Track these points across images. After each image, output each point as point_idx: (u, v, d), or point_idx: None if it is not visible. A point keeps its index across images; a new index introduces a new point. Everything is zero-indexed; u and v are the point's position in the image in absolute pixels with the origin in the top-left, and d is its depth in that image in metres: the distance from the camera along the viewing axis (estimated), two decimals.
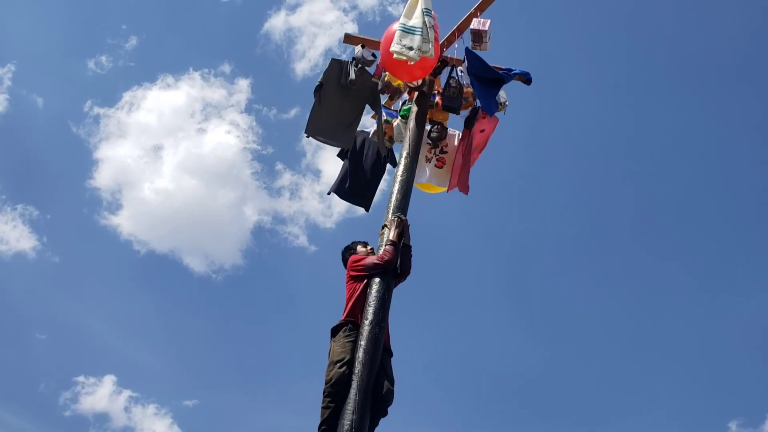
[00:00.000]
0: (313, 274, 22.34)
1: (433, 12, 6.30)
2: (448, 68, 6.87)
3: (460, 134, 7.09)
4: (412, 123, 6.49)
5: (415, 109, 6.64)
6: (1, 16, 21.46)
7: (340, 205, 23.22)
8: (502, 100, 6.91)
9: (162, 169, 22.44)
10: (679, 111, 21.39)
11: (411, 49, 5.96)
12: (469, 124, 6.83)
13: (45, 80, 22.03)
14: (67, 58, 22.27)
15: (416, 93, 6.82)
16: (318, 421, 4.72)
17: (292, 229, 22.47)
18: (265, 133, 22.73)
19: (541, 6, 20.54)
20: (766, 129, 21.18)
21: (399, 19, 6.29)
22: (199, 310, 23.02)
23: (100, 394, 19.97)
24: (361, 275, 5.34)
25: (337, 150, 7.53)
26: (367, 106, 6.98)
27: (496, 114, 6.97)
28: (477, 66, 6.60)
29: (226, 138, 22.22)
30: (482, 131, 7.02)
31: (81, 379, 19.56)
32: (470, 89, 6.69)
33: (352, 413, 4.52)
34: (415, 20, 6.12)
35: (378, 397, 4.75)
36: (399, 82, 6.91)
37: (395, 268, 5.41)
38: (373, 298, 5.12)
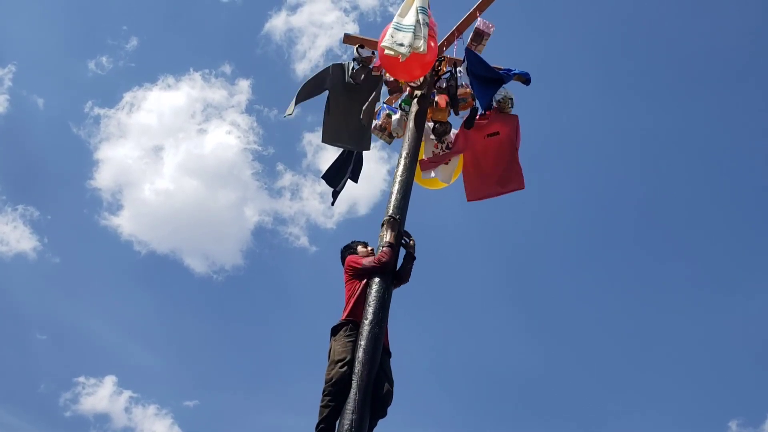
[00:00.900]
0: (314, 275, 22.34)
1: (429, 10, 6.31)
2: (449, 69, 6.88)
3: (456, 132, 7.07)
4: (411, 123, 6.48)
5: (414, 108, 6.63)
6: (1, 18, 21.50)
7: (340, 206, 23.21)
8: (503, 95, 6.89)
9: (162, 170, 22.47)
10: (680, 111, 21.41)
11: (402, 45, 5.95)
12: (468, 124, 6.83)
13: (45, 81, 22.08)
14: (67, 59, 22.32)
15: (415, 92, 6.82)
16: (316, 420, 4.72)
17: (292, 229, 22.48)
18: (266, 133, 22.75)
19: (540, 5, 20.56)
20: None
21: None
22: (199, 311, 23.04)
23: (101, 395, 19.98)
24: (360, 276, 5.35)
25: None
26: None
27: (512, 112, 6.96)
28: (477, 65, 6.61)
29: (227, 138, 22.25)
30: (496, 134, 6.95)
31: (81, 379, 19.58)
32: (469, 89, 6.69)
33: (352, 413, 4.52)
34: (409, 18, 6.13)
35: (377, 397, 4.75)
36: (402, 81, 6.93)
37: (393, 270, 5.41)
38: (373, 298, 5.12)
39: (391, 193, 5.87)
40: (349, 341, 4.95)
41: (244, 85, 22.59)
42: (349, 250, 5.73)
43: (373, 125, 7.22)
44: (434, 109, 6.82)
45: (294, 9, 22.71)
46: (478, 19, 6.82)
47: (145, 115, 22.21)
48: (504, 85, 6.77)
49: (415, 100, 6.74)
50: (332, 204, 7.48)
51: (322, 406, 4.72)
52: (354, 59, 6.98)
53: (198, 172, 22.70)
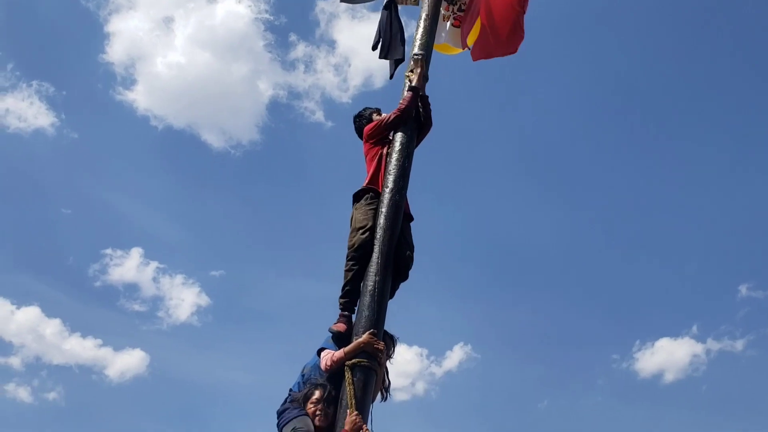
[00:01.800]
0: (331, 151, 22.37)
1: None
2: None
3: None
4: None
5: None
6: None
7: (356, 78, 22.78)
8: None
9: (174, 42, 21.99)
10: None
11: None
12: None
13: None
14: None
15: None
16: (341, 284, 4.90)
17: (308, 104, 22.22)
18: (277, 1, 21.92)
19: None
20: None
21: None
22: (220, 186, 23.40)
23: (129, 266, 20.84)
24: (383, 136, 5.32)
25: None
26: None
27: None
28: None
29: (237, 8, 21.54)
30: None
31: (108, 251, 20.35)
32: None
33: (375, 275, 4.72)
34: None
35: (399, 261, 4.91)
36: None
37: (418, 117, 5.34)
38: (393, 167, 5.16)
39: (414, 39, 5.81)
40: (370, 209, 5.04)
41: None
42: (362, 119, 5.65)
43: None
44: None
45: None
46: None
47: None
48: None
49: None
50: (390, 77, 7.19)
51: (346, 270, 4.89)
52: None
53: (209, 44, 22.21)
